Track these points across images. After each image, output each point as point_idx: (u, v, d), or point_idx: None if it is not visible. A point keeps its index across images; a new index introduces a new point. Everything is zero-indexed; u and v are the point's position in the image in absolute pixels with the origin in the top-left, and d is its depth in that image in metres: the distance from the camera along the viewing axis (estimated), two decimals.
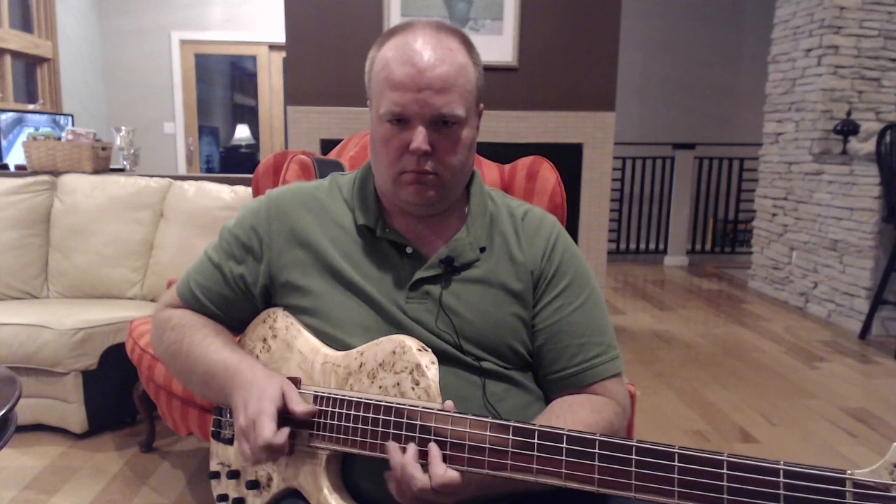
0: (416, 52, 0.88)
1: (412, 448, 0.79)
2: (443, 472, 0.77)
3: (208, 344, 0.96)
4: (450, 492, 0.78)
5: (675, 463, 0.68)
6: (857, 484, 0.62)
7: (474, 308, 0.94)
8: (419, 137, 0.88)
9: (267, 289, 1.00)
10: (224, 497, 1.00)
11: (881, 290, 3.66)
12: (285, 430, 0.84)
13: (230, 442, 1.00)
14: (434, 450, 0.78)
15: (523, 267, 0.97)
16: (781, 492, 0.64)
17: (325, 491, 0.88)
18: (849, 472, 0.63)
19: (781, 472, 0.65)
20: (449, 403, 0.81)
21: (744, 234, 6.12)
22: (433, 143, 0.89)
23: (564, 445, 0.73)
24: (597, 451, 0.72)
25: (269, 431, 0.82)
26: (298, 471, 0.91)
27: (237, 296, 1.01)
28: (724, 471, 0.67)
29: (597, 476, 0.72)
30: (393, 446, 0.80)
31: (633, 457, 0.70)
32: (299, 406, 0.86)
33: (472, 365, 0.92)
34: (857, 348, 3.61)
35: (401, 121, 0.89)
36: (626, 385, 1.00)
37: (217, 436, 1.03)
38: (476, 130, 0.96)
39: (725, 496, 0.66)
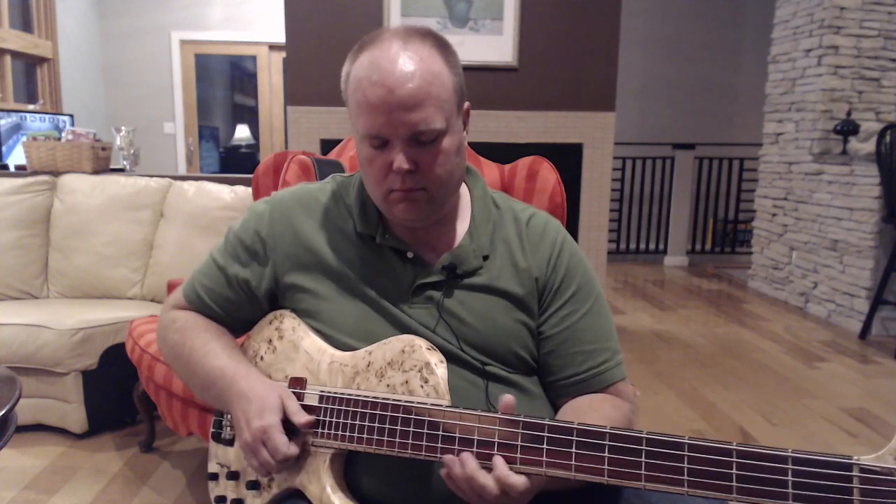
0: (383, 70, 0.84)
1: (470, 457, 0.77)
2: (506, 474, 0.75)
3: (209, 349, 0.97)
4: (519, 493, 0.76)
5: (685, 453, 0.70)
6: (863, 469, 0.64)
7: (476, 314, 0.94)
8: (399, 158, 0.85)
9: (272, 292, 1.00)
10: (222, 499, 0.99)
11: (881, 290, 3.66)
12: (295, 444, 0.87)
13: (230, 443, 1.00)
14: (497, 459, 0.77)
15: (527, 273, 0.97)
16: (790, 478, 0.66)
17: (328, 490, 0.88)
18: (855, 457, 0.64)
19: (790, 459, 0.66)
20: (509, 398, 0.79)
21: (744, 234, 6.12)
22: (415, 159, 0.86)
23: (575, 438, 0.74)
24: (607, 442, 0.73)
25: (284, 447, 0.86)
26: (300, 470, 0.91)
27: (241, 298, 1.01)
28: (734, 459, 0.68)
29: (606, 467, 0.73)
30: (450, 459, 0.78)
31: (644, 448, 0.71)
32: (300, 417, 0.88)
33: (476, 367, 0.92)
34: (857, 348, 3.61)
35: (380, 142, 0.87)
36: (630, 387, 1.01)
37: (217, 437, 1.02)
38: (463, 133, 0.93)
39: (735, 483, 0.68)
